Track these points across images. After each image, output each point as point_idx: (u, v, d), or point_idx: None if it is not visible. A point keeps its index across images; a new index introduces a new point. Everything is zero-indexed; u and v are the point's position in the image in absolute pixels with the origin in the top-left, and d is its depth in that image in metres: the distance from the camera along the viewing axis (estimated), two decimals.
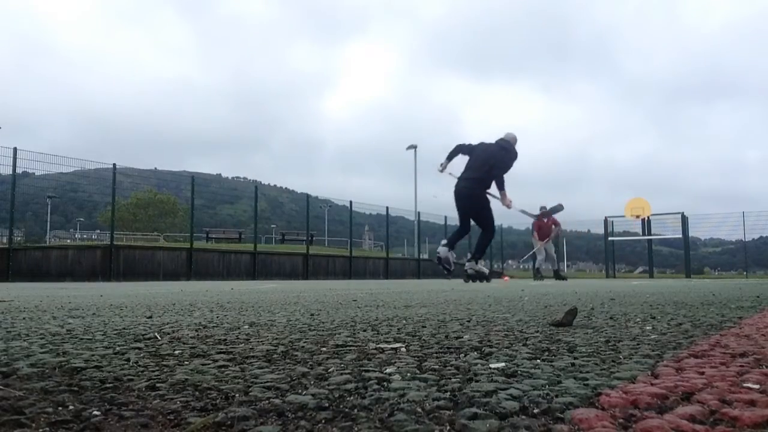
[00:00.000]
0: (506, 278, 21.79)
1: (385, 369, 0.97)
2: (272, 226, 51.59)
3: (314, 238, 24.78)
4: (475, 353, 1.15)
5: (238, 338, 1.43)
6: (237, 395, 0.77)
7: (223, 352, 1.17)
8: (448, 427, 0.62)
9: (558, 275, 14.60)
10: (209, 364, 1.03)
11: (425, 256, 26.75)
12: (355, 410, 0.69)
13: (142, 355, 1.15)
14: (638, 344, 1.28)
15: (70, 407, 0.71)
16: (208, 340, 1.40)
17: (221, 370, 0.96)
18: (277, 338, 1.42)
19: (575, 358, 1.07)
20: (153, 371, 0.96)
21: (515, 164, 8.39)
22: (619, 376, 0.89)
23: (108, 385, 0.84)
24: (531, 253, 15.41)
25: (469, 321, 1.90)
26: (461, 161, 8.64)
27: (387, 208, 24.32)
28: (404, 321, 1.91)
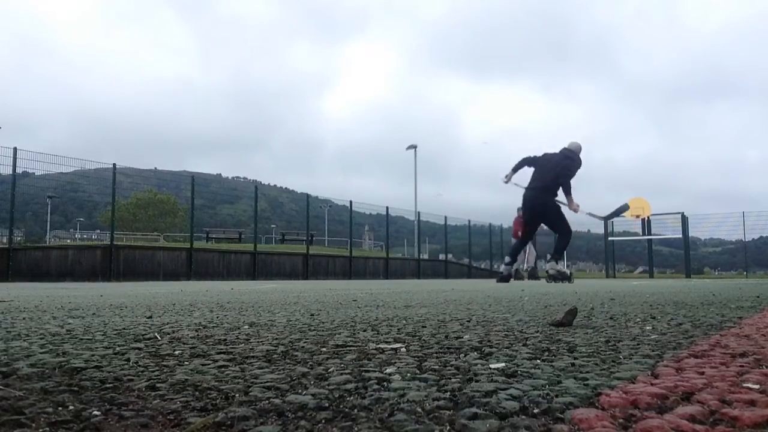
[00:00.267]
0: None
1: (385, 369, 0.97)
2: (272, 226, 51.60)
3: (314, 238, 24.78)
4: (475, 353, 1.15)
5: (238, 338, 1.43)
6: (237, 395, 0.77)
7: (223, 352, 1.17)
8: (448, 427, 0.62)
9: (532, 275, 15.13)
10: (209, 364, 1.03)
11: (425, 256, 26.76)
12: (355, 410, 0.69)
13: (142, 355, 1.15)
14: (638, 344, 1.28)
15: (70, 407, 0.71)
16: (208, 340, 1.40)
17: (221, 370, 0.96)
18: (277, 338, 1.42)
19: (575, 358, 1.07)
20: (153, 371, 0.96)
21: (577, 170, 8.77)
22: (619, 376, 0.89)
23: (108, 385, 0.84)
24: (523, 253, 15.57)
25: (469, 321, 1.90)
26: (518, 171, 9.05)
27: (387, 208, 24.34)
28: (404, 321, 1.91)
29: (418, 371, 0.95)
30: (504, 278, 8.91)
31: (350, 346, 1.27)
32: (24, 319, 2.07)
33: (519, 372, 0.93)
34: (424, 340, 1.38)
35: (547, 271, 8.84)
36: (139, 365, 1.03)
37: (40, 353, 1.17)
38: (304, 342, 1.34)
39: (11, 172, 14.49)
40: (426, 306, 2.77)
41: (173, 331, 1.59)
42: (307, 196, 22.50)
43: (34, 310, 2.54)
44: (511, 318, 2.02)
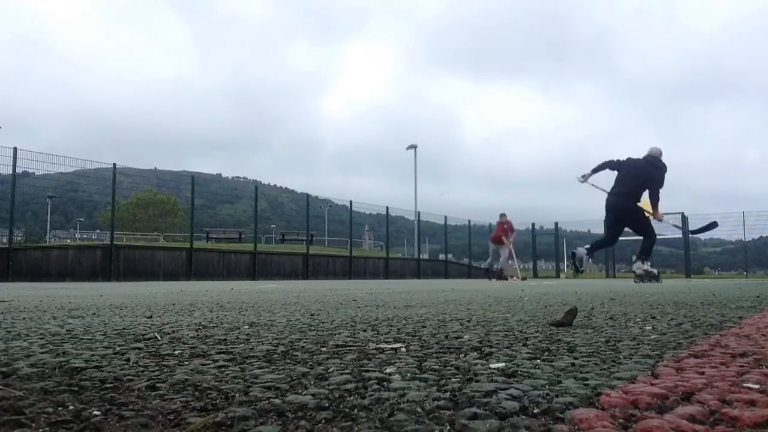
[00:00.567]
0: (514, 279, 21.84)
1: (385, 369, 0.97)
2: (272, 226, 51.59)
3: (314, 238, 24.78)
4: (475, 353, 1.15)
5: (238, 338, 1.43)
6: (237, 395, 0.77)
7: (223, 352, 1.17)
8: (448, 427, 0.62)
9: (501, 275, 15.51)
10: (209, 364, 1.03)
11: (425, 256, 26.76)
12: (355, 410, 0.69)
13: (142, 355, 1.15)
14: (638, 344, 1.28)
15: (70, 407, 0.71)
16: (208, 340, 1.40)
17: (221, 370, 0.96)
18: (277, 338, 1.42)
19: (575, 358, 1.07)
20: (153, 371, 0.96)
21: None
22: (619, 376, 0.89)
23: (108, 385, 0.84)
24: (504, 254, 16.05)
25: (469, 321, 1.90)
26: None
27: (387, 208, 24.33)
28: (404, 321, 1.91)
29: (418, 371, 0.95)
30: (574, 256, 9.24)
31: (350, 346, 1.27)
32: (24, 319, 2.07)
33: (519, 372, 0.93)
34: (424, 340, 1.38)
35: (634, 271, 9.07)
36: (139, 365, 1.03)
37: (40, 353, 1.17)
38: (304, 342, 1.34)
39: (11, 172, 14.50)
40: (426, 306, 2.77)
41: (173, 331, 1.59)
42: (307, 196, 22.50)
43: (34, 310, 2.54)
44: (511, 318, 2.02)
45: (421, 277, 23.33)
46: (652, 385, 0.79)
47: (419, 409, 0.69)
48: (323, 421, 0.64)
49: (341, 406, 0.71)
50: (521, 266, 16.49)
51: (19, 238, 25.54)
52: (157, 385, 0.85)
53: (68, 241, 40.96)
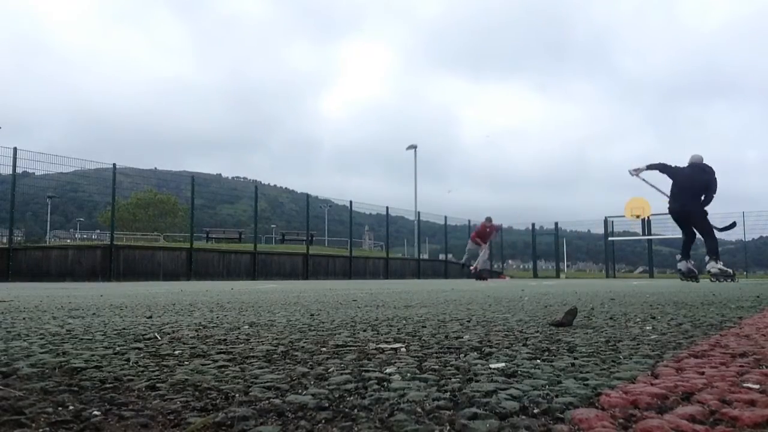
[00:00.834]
0: (506, 278, 21.89)
1: (385, 369, 0.97)
2: (272, 226, 51.58)
3: (314, 238, 24.77)
4: (475, 353, 1.15)
5: (238, 338, 1.43)
6: (237, 395, 0.77)
7: (223, 352, 1.17)
8: (448, 427, 0.62)
9: (480, 276, 15.85)
10: (209, 364, 1.03)
11: (425, 256, 26.76)
12: (355, 410, 0.69)
13: (142, 355, 1.15)
14: (638, 344, 1.28)
15: (70, 407, 0.71)
16: (208, 340, 1.40)
17: (221, 370, 0.96)
18: (277, 338, 1.42)
19: (575, 358, 1.07)
20: (153, 371, 0.96)
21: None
22: (619, 376, 0.89)
23: (108, 385, 0.84)
24: (482, 255, 16.46)
25: (469, 321, 1.90)
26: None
27: (387, 208, 24.34)
28: (404, 321, 1.91)
29: (418, 371, 0.95)
30: (684, 274, 9.52)
31: (350, 346, 1.27)
32: (24, 319, 2.07)
33: (519, 372, 0.93)
34: (424, 340, 1.38)
35: (709, 271, 9.38)
36: (139, 365, 1.03)
37: (40, 353, 1.17)
38: (304, 342, 1.34)
39: (11, 172, 14.50)
40: (426, 306, 2.77)
41: (173, 331, 1.59)
42: (307, 196, 22.50)
43: (34, 310, 2.54)
44: (511, 318, 2.02)
45: (421, 277, 23.33)
46: (652, 385, 0.79)
47: (419, 409, 0.69)
48: (323, 421, 0.64)
49: (341, 406, 0.71)
50: (522, 266, 16.68)
51: (19, 238, 25.53)
52: (157, 385, 0.85)
53: (68, 241, 40.96)
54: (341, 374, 0.92)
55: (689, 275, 9.45)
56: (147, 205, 51.10)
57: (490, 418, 0.65)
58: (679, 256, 9.76)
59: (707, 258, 9.54)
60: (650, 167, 9.73)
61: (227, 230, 26.76)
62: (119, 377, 0.91)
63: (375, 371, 0.95)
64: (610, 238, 27.84)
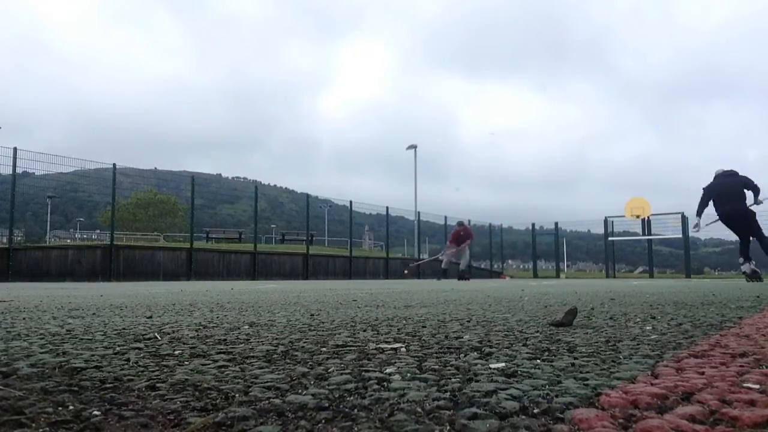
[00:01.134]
0: (505, 277, 21.94)
1: (385, 369, 0.97)
2: (272, 226, 51.58)
3: (314, 238, 24.77)
4: (475, 353, 1.15)
5: (238, 338, 1.43)
6: (237, 395, 0.77)
7: (223, 352, 1.17)
8: (448, 427, 0.62)
9: (462, 276, 16.18)
10: (209, 364, 1.03)
11: (425, 256, 26.74)
12: (355, 410, 0.69)
13: (142, 355, 1.15)
14: (638, 344, 1.28)
15: (70, 407, 0.71)
16: (208, 340, 1.40)
17: (221, 370, 0.96)
18: (277, 338, 1.42)
19: (575, 358, 1.07)
20: (153, 371, 0.96)
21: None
22: (619, 376, 0.89)
23: (108, 385, 0.84)
24: (465, 256, 16.96)
25: (469, 321, 1.90)
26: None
27: (387, 208, 24.33)
28: (404, 321, 1.91)
29: (418, 371, 0.95)
30: (750, 276, 9.61)
31: (350, 346, 1.27)
32: (24, 319, 2.07)
33: (519, 372, 0.93)
34: (424, 340, 1.38)
35: (744, 272, 9.69)
36: (139, 365, 1.03)
37: (40, 353, 1.17)
38: (304, 342, 1.34)
39: (11, 172, 14.50)
40: (426, 306, 2.77)
41: (173, 331, 1.59)
42: (307, 196, 22.50)
43: (34, 310, 2.54)
44: (511, 318, 2.02)
45: (420, 278, 23.32)
46: (652, 385, 0.79)
47: (419, 409, 0.69)
48: (323, 421, 0.64)
49: (341, 406, 0.71)
50: (522, 266, 16.86)
51: (19, 238, 25.53)
52: (157, 385, 0.85)
53: (68, 241, 40.95)
54: (341, 374, 0.92)
55: (754, 276, 9.63)
56: (147, 205, 51.09)
57: (490, 418, 0.65)
58: (741, 260, 9.99)
59: (741, 259, 9.79)
60: (700, 212, 9.97)
61: (227, 230, 26.76)
62: (119, 377, 0.91)
63: (375, 371, 0.95)
64: (610, 238, 27.84)
